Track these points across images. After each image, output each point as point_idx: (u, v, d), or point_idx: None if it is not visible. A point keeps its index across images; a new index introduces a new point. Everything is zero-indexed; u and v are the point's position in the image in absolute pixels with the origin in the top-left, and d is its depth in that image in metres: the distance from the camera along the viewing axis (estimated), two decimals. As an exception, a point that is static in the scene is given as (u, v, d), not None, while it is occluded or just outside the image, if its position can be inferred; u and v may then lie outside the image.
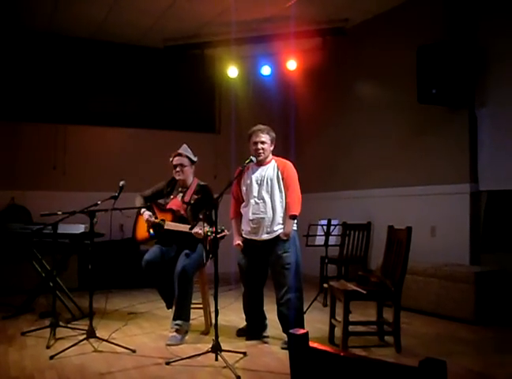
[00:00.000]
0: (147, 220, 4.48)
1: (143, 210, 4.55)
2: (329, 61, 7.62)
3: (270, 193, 4.21)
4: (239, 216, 4.41)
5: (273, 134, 4.35)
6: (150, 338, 4.45)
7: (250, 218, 4.23)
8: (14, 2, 6.31)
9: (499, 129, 5.44)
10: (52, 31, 7.25)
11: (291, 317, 4.15)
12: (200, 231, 4.09)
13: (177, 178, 4.58)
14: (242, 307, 4.52)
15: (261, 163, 4.31)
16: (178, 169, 4.54)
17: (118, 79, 7.79)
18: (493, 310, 5.01)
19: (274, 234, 4.18)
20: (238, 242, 4.35)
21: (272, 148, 4.35)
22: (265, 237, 4.20)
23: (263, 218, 4.18)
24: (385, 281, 4.18)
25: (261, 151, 4.26)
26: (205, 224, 4.03)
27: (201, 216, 4.15)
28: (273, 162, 4.34)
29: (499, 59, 5.42)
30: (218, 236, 3.84)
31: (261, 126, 4.35)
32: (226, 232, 3.93)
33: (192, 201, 4.50)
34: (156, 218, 4.49)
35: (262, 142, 4.26)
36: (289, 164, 4.35)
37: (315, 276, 6.66)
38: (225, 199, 3.94)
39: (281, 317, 4.25)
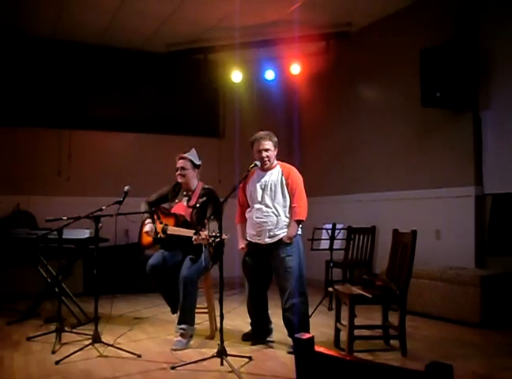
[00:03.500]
0: (146, 232, 4.49)
1: (147, 221, 4.55)
2: (332, 65, 7.62)
3: (273, 198, 4.22)
4: (244, 221, 4.42)
5: (275, 139, 4.35)
6: (155, 343, 4.45)
7: (254, 222, 4.24)
8: (19, 9, 6.34)
9: (504, 131, 5.43)
10: (56, 38, 7.28)
11: (296, 322, 4.14)
12: (199, 236, 4.08)
13: (179, 180, 4.60)
14: (247, 310, 4.51)
15: (266, 168, 4.32)
16: (179, 171, 4.56)
17: (121, 84, 7.82)
18: (499, 313, 4.99)
19: (277, 238, 4.18)
20: (242, 245, 4.37)
21: (276, 153, 4.35)
22: (267, 241, 4.20)
23: (266, 222, 4.19)
24: (390, 285, 4.17)
25: (266, 159, 4.26)
26: (205, 229, 4.03)
27: (205, 222, 4.14)
28: (278, 167, 4.34)
29: (503, 61, 5.42)
30: (216, 240, 3.83)
31: (262, 133, 4.33)
32: (224, 236, 3.92)
33: (198, 205, 4.51)
34: (161, 222, 4.50)
35: (266, 150, 4.26)
36: (294, 170, 4.34)
37: (320, 280, 6.65)
38: (229, 203, 3.94)
39: (287, 322, 4.24)
